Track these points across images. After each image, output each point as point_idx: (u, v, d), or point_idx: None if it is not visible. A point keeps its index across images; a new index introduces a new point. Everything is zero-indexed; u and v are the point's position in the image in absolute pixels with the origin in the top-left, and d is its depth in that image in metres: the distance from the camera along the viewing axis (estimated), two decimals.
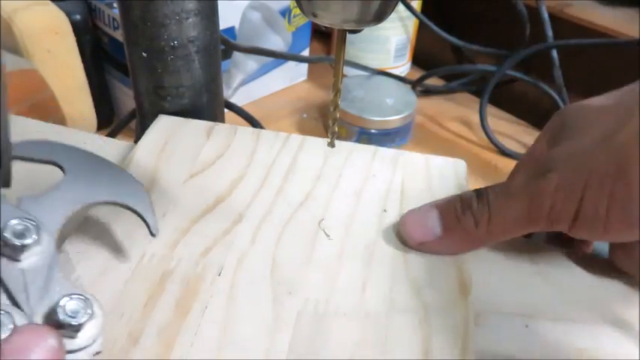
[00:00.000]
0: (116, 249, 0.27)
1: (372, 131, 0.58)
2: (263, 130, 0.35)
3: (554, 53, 0.63)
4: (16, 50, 0.49)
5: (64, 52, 0.52)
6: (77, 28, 0.53)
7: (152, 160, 0.32)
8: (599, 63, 0.66)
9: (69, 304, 0.21)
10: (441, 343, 0.24)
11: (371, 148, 0.34)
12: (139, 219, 0.27)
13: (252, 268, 0.26)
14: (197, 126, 0.35)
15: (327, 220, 0.29)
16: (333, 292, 0.26)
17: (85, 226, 0.28)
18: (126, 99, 0.60)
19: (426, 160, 0.34)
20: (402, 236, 0.28)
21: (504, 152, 0.62)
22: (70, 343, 0.21)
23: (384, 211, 0.30)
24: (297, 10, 0.65)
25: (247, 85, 0.66)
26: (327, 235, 0.28)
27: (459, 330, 0.24)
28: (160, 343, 0.23)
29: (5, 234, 0.21)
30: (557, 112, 0.30)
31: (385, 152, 0.34)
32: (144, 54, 0.35)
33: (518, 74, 0.66)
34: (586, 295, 0.29)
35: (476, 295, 0.26)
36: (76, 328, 0.21)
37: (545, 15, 0.62)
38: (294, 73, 0.72)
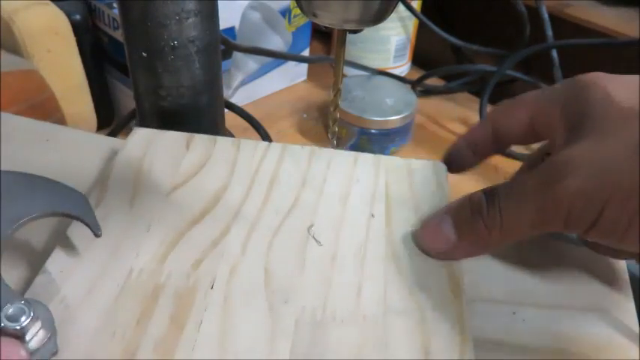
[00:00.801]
0: (102, 266, 0.26)
1: (372, 131, 0.58)
2: (242, 139, 0.34)
3: (554, 53, 0.63)
4: (16, 50, 0.49)
5: (64, 52, 0.52)
6: (77, 28, 0.53)
7: (131, 174, 0.31)
8: (599, 63, 0.66)
9: (8, 311, 0.21)
10: (441, 343, 0.24)
11: (352, 153, 0.34)
12: (122, 235, 0.27)
13: (245, 278, 0.26)
14: (175, 137, 0.34)
15: (316, 226, 0.29)
16: (329, 298, 0.25)
17: (67, 244, 0.27)
18: (126, 99, 0.60)
19: (407, 163, 0.34)
20: (421, 248, 0.28)
21: (504, 152, 0.62)
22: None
23: (372, 215, 0.30)
24: (297, 10, 0.65)
25: (247, 85, 0.66)
26: (317, 242, 0.28)
27: (457, 329, 0.24)
28: None
29: None
30: (575, 85, 0.27)
31: (366, 157, 0.34)
32: (144, 54, 0.35)
33: (518, 74, 0.66)
34: (572, 282, 0.30)
35: (464, 283, 0.27)
36: (21, 333, 0.21)
37: (545, 15, 0.62)
38: (294, 73, 0.72)
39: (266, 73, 0.68)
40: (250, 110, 0.55)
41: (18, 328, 0.21)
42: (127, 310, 0.24)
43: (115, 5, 0.54)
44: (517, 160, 0.62)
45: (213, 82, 0.38)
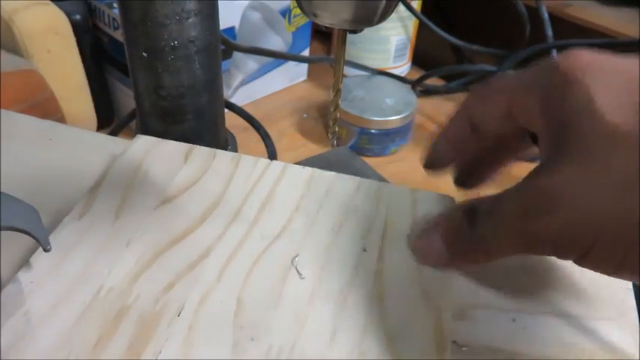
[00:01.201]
0: (73, 280, 0.25)
1: (372, 131, 0.58)
2: (243, 155, 0.33)
3: (554, 53, 0.63)
4: (16, 50, 0.49)
5: (64, 52, 0.52)
6: (77, 28, 0.53)
7: (124, 183, 0.31)
8: None
9: None
10: None
11: (355, 179, 0.32)
12: (100, 248, 0.27)
13: (215, 308, 0.25)
14: (175, 148, 0.34)
15: (301, 257, 0.28)
16: (300, 339, 0.24)
17: (41, 255, 0.26)
18: (126, 99, 0.60)
19: (412, 194, 0.32)
20: (416, 259, 0.28)
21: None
22: None
23: (364, 250, 0.28)
24: (298, 10, 0.65)
25: (247, 85, 0.66)
26: (300, 274, 0.27)
27: None
28: None
29: None
30: (553, 75, 0.24)
31: (369, 184, 0.32)
32: (144, 54, 0.35)
33: None
34: (574, 289, 0.29)
35: (462, 289, 0.26)
36: None
37: (545, 15, 0.62)
38: (294, 73, 0.72)
39: (266, 73, 0.68)
40: (250, 110, 0.55)
41: None
42: (87, 331, 0.23)
43: (115, 5, 0.54)
44: (517, 160, 0.62)
45: (213, 82, 0.38)
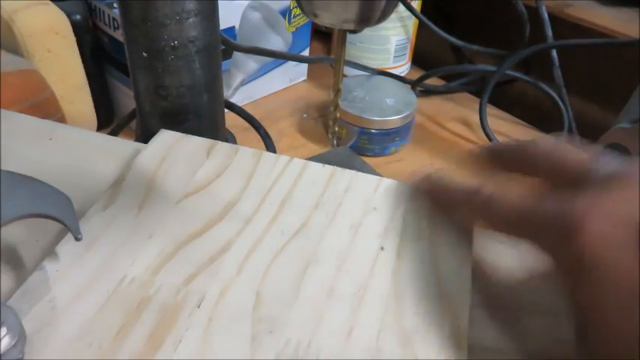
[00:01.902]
0: (97, 270, 0.26)
1: (372, 131, 0.58)
2: (265, 152, 0.34)
3: (554, 53, 0.63)
4: (16, 50, 0.49)
5: (64, 52, 0.52)
6: (77, 28, 0.53)
7: (147, 177, 0.31)
8: (599, 63, 0.66)
9: None
10: None
11: (375, 178, 0.33)
12: (123, 240, 0.27)
13: (234, 301, 0.25)
14: (198, 144, 0.34)
15: (320, 254, 0.28)
16: (316, 334, 0.24)
17: (67, 243, 0.27)
18: (126, 99, 0.60)
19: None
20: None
21: None
22: None
23: (382, 249, 0.28)
24: (298, 10, 0.65)
25: (247, 85, 0.66)
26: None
27: None
28: None
29: None
30: (573, 250, 0.21)
31: (389, 184, 0.32)
32: (144, 54, 0.35)
33: (518, 74, 0.66)
34: None
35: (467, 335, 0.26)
36: None
37: (545, 15, 0.62)
38: (294, 73, 0.72)
39: (266, 73, 0.68)
40: (250, 110, 0.55)
41: None
42: (110, 320, 0.24)
43: (115, 5, 0.54)
44: None
45: (213, 82, 0.38)
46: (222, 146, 0.34)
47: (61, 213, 0.26)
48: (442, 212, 0.30)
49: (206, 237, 0.28)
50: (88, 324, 0.23)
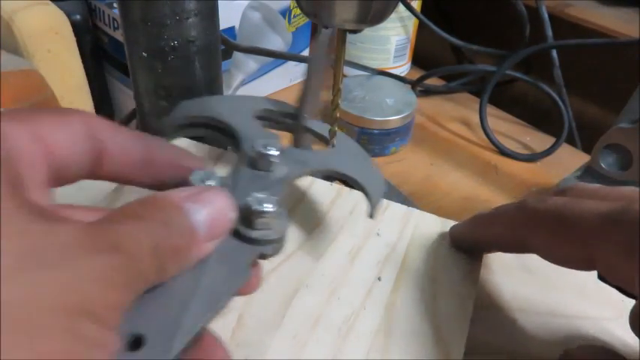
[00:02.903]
0: None
1: (372, 131, 0.58)
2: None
3: (554, 53, 0.63)
4: (16, 50, 0.49)
5: (64, 52, 0.52)
6: (77, 28, 0.53)
7: None
8: (599, 63, 0.66)
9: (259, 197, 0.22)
10: None
11: (383, 201, 0.30)
12: None
13: (214, 323, 0.23)
14: (207, 152, 0.33)
15: (312, 279, 0.26)
16: None
17: None
18: (126, 99, 0.60)
19: (442, 224, 0.30)
20: None
21: (504, 152, 0.62)
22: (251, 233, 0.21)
23: (379, 279, 0.27)
24: (298, 11, 0.65)
25: (247, 85, 0.66)
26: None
27: None
28: None
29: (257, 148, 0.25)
30: None
31: (397, 208, 0.31)
32: (144, 54, 0.35)
33: (518, 74, 0.66)
34: (571, 289, 0.29)
35: None
36: (271, 216, 0.21)
37: (545, 15, 0.62)
38: (294, 73, 0.72)
39: (266, 73, 0.68)
40: None
41: (267, 212, 0.21)
42: None
43: (115, 5, 0.54)
44: (516, 159, 0.62)
45: (213, 82, 0.38)
46: (230, 156, 0.33)
47: (367, 182, 0.26)
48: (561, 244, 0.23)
49: None
50: None
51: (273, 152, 0.25)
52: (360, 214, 0.30)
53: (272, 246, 0.22)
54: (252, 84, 0.67)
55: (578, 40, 0.61)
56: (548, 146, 0.62)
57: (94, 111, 0.57)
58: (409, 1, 0.67)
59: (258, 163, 0.25)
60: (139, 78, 0.37)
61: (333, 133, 0.35)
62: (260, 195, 0.22)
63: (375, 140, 0.59)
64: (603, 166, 0.47)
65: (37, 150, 0.18)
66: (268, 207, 0.22)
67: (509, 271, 0.29)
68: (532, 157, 0.62)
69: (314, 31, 0.72)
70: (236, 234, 0.22)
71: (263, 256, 0.22)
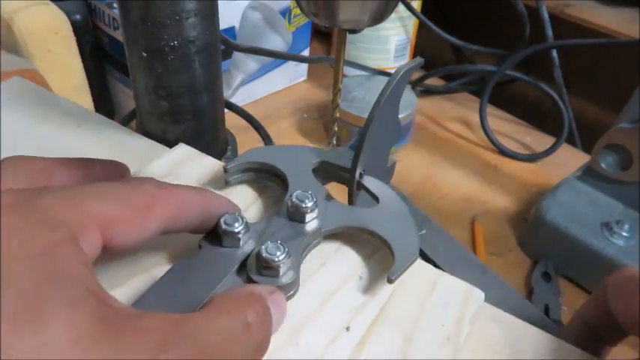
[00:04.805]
0: None
1: None
2: (270, 185, 0.31)
3: (554, 53, 0.63)
4: (16, 50, 0.49)
5: (64, 52, 0.52)
6: (77, 28, 0.53)
7: None
8: (599, 63, 0.66)
9: (269, 247, 0.24)
10: None
11: (373, 243, 0.28)
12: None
13: None
14: (206, 165, 0.32)
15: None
16: None
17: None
18: (126, 99, 0.60)
19: (437, 276, 0.27)
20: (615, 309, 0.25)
21: (504, 152, 0.62)
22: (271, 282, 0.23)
23: (347, 329, 0.24)
24: (298, 11, 0.65)
25: (247, 85, 0.66)
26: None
27: None
28: None
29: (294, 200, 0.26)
30: None
31: (385, 253, 0.27)
32: (144, 54, 0.35)
33: (518, 74, 0.66)
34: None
35: None
36: (276, 265, 0.23)
37: (545, 15, 0.62)
38: (294, 73, 0.72)
39: (266, 73, 0.68)
40: (250, 110, 0.55)
41: (276, 260, 0.23)
42: None
43: (115, 5, 0.54)
44: (516, 159, 0.62)
45: (213, 82, 0.38)
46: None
47: (395, 240, 0.26)
48: None
49: (164, 272, 0.24)
50: None
51: (307, 204, 0.26)
52: (346, 252, 0.28)
53: None
54: (252, 84, 0.67)
55: (578, 40, 0.61)
56: (548, 146, 0.62)
57: (93, 111, 0.57)
58: (409, 1, 0.67)
59: (292, 213, 0.26)
60: (138, 78, 0.37)
61: (333, 133, 0.35)
62: (273, 243, 0.24)
63: None
64: (603, 166, 0.47)
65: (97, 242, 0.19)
66: (277, 256, 0.23)
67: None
68: (532, 157, 0.62)
69: (314, 31, 0.72)
70: (247, 278, 0.24)
71: None
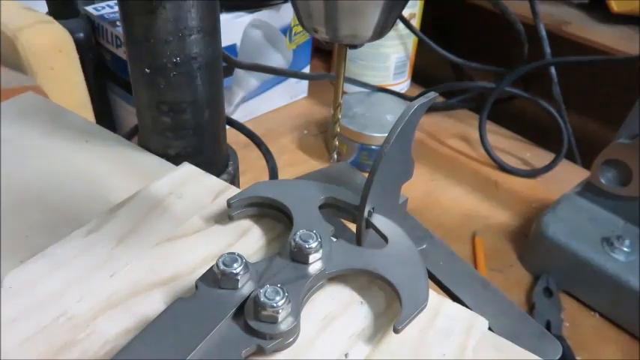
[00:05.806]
0: (46, 296, 0.24)
1: (373, 147, 0.59)
2: (274, 220, 0.31)
3: (553, 70, 0.63)
4: (20, 67, 0.50)
5: (68, 70, 0.52)
6: (80, 46, 0.53)
7: (143, 210, 0.29)
8: (598, 80, 0.66)
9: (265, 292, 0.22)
10: None
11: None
12: (86, 272, 0.26)
13: None
14: (210, 185, 0.32)
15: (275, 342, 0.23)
16: None
17: (34, 263, 0.25)
18: (127, 116, 0.60)
19: (440, 303, 0.26)
20: None
21: (504, 168, 0.63)
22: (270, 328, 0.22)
23: (345, 356, 0.23)
24: (298, 28, 0.66)
25: (248, 101, 0.67)
26: None
27: None
28: None
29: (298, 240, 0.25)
30: None
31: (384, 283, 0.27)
32: (146, 70, 0.35)
33: (517, 91, 0.66)
34: None
35: None
36: (274, 311, 0.22)
37: (543, 32, 0.63)
38: (295, 90, 0.72)
39: (267, 89, 0.68)
40: (251, 127, 0.56)
41: (274, 306, 0.22)
42: (25, 356, 0.22)
43: (118, 23, 0.54)
44: (516, 175, 0.62)
45: (214, 99, 0.38)
46: (232, 191, 0.31)
47: (406, 291, 0.24)
48: None
49: (166, 290, 0.25)
50: (5, 354, 0.22)
51: (311, 245, 0.25)
52: (352, 277, 0.27)
53: (274, 342, 0.22)
54: (252, 101, 0.67)
55: (576, 58, 0.61)
56: (547, 162, 0.62)
57: None
58: (408, 19, 0.67)
59: (295, 254, 0.25)
60: (141, 94, 0.37)
61: (334, 149, 0.35)
62: (272, 287, 0.23)
63: (375, 156, 0.59)
64: (603, 181, 0.47)
65: None
66: (276, 301, 0.22)
67: None
68: (532, 173, 0.62)
69: (314, 49, 0.73)
70: (245, 323, 0.22)
71: (262, 350, 0.22)
